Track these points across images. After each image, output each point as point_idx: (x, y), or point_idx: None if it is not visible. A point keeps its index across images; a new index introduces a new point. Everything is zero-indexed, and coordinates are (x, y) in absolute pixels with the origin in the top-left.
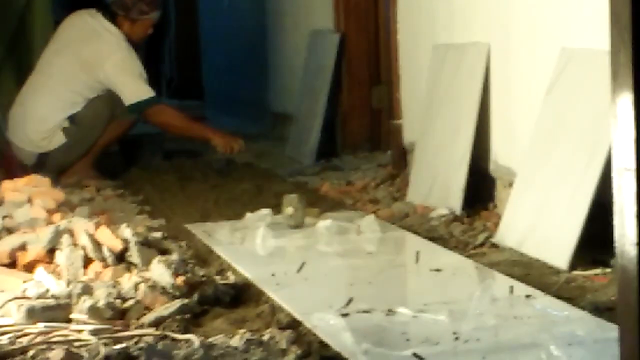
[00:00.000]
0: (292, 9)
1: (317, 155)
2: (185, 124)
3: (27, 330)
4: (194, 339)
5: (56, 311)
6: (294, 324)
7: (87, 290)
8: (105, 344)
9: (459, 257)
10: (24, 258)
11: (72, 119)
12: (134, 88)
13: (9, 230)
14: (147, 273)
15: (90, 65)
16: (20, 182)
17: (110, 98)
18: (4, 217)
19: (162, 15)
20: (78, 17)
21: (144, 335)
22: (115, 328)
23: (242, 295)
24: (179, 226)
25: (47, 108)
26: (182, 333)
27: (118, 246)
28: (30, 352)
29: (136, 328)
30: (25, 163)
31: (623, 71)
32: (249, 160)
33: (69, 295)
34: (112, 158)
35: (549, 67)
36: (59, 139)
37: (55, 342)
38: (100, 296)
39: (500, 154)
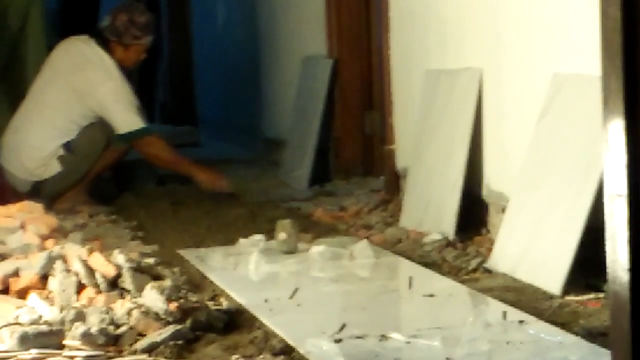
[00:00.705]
0: (285, 34)
1: (310, 180)
2: (173, 158)
3: (20, 357)
4: None
5: (49, 337)
6: (287, 350)
7: (80, 316)
8: None
9: (452, 283)
10: (16, 284)
11: (67, 146)
12: (126, 118)
13: (2, 257)
14: (140, 299)
15: (83, 93)
16: (13, 208)
17: (105, 125)
18: None
19: (156, 41)
20: (71, 43)
21: None
22: (108, 354)
23: (235, 321)
24: (172, 252)
25: (41, 136)
26: (175, 359)
27: (111, 272)
28: None
29: (129, 354)
30: (19, 190)
31: (614, 97)
32: (241, 187)
33: (62, 322)
34: (105, 184)
35: (541, 92)
36: (55, 167)
37: None
38: (93, 322)
39: (493, 179)
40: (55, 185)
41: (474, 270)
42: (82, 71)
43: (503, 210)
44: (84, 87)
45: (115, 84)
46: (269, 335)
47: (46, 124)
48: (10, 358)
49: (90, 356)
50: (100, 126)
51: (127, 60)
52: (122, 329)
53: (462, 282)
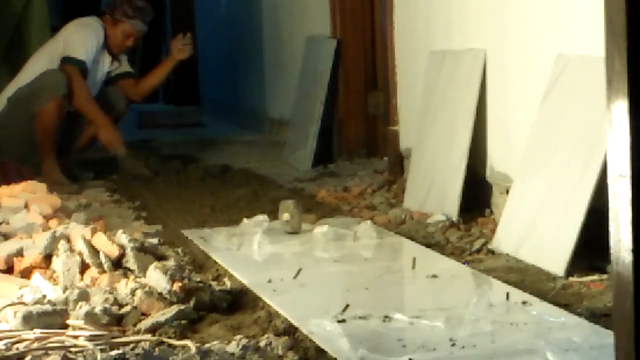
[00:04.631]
0: (289, 14)
1: (314, 161)
2: (89, 100)
3: (23, 336)
4: (191, 345)
5: (53, 317)
6: (290, 330)
7: (83, 296)
8: (102, 350)
9: (455, 264)
10: (20, 264)
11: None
12: (76, 47)
13: (6, 236)
14: (143, 279)
15: (57, 35)
16: (16, 188)
17: (32, 93)
18: (0, 222)
19: (159, 21)
20: (77, 19)
21: (141, 341)
22: (112, 334)
23: (238, 301)
24: (176, 232)
25: (10, 85)
26: (179, 339)
27: (115, 252)
28: (27, 358)
29: (133, 334)
30: None
31: (618, 78)
32: (245, 166)
33: (66, 301)
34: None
35: (545, 73)
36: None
37: (51, 348)
38: (97, 302)
39: (496, 160)
40: (2, 125)
41: (478, 251)
42: (67, 25)
43: (507, 192)
44: (61, 30)
45: (86, 23)
46: (272, 315)
47: (19, 75)
48: (14, 338)
49: (94, 336)
50: (29, 91)
51: (112, 38)
52: (126, 308)
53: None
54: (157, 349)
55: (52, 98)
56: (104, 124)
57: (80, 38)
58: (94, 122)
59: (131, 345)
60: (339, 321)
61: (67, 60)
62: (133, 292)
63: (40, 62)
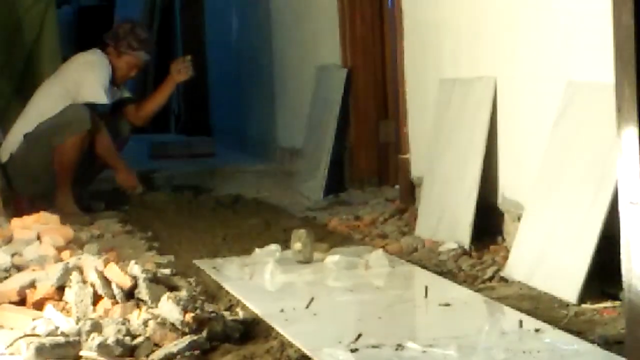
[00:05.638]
0: (299, 44)
1: (325, 190)
2: (110, 149)
3: None
4: None
5: (66, 348)
6: None
7: (96, 327)
8: None
9: (467, 292)
10: (33, 295)
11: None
12: (94, 89)
13: (18, 268)
14: (156, 310)
15: (64, 70)
16: (29, 220)
17: (55, 128)
18: (13, 254)
19: (170, 50)
20: (80, 54)
21: None
22: None
23: (251, 331)
24: (188, 262)
25: (20, 120)
26: None
27: (127, 283)
28: None
29: None
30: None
31: (627, 105)
32: (257, 196)
33: (79, 333)
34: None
35: (555, 100)
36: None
37: None
38: (110, 333)
39: (508, 187)
40: (18, 164)
41: (490, 278)
42: (71, 60)
43: (518, 219)
44: (66, 65)
45: (96, 59)
46: (285, 345)
47: (29, 110)
48: None
49: None
50: (50, 126)
51: (118, 70)
52: (139, 339)
53: (478, 290)
54: None
55: (76, 133)
56: (121, 166)
57: (96, 79)
58: (113, 166)
59: None
60: (351, 350)
61: (91, 108)
62: (146, 323)
63: (51, 99)
